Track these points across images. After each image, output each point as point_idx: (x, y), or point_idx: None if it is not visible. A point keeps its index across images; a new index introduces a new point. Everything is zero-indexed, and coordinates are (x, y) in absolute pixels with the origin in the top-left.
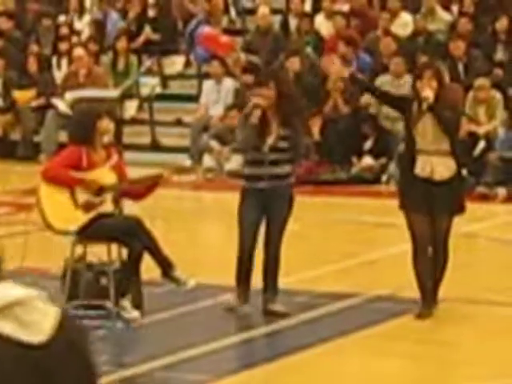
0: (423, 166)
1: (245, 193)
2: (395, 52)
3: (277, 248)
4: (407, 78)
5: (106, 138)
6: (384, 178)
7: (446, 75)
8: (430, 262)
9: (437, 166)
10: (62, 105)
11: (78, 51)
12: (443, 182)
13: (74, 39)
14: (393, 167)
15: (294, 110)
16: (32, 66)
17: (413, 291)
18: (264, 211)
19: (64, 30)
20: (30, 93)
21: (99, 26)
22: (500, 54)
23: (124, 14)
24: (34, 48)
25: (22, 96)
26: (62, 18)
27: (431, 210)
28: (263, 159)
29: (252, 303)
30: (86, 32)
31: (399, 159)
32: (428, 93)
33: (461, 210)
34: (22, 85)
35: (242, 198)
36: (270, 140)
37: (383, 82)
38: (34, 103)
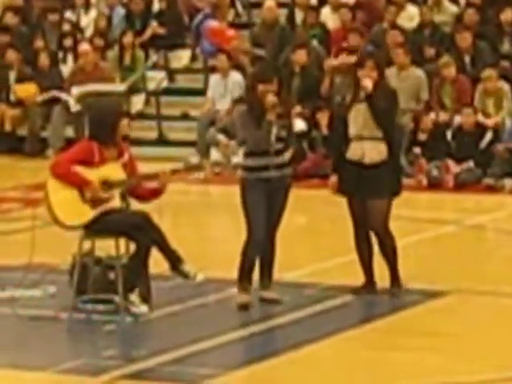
0: (354, 151)
1: (250, 184)
2: (401, 44)
3: (276, 236)
4: (412, 71)
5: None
6: None
7: (453, 67)
8: (371, 246)
9: (367, 150)
10: (73, 103)
11: (84, 46)
12: (373, 165)
13: (79, 34)
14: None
15: (288, 100)
16: (44, 60)
17: (420, 283)
18: (267, 201)
19: (69, 26)
20: (32, 87)
21: (105, 20)
22: (506, 46)
23: (130, 8)
24: (41, 43)
25: (22, 90)
26: (68, 13)
27: (364, 194)
28: (269, 149)
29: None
30: (92, 27)
31: (328, 145)
32: (367, 82)
33: (396, 193)
34: (28, 79)
35: (247, 190)
36: (275, 130)
37: (389, 75)
38: (40, 98)
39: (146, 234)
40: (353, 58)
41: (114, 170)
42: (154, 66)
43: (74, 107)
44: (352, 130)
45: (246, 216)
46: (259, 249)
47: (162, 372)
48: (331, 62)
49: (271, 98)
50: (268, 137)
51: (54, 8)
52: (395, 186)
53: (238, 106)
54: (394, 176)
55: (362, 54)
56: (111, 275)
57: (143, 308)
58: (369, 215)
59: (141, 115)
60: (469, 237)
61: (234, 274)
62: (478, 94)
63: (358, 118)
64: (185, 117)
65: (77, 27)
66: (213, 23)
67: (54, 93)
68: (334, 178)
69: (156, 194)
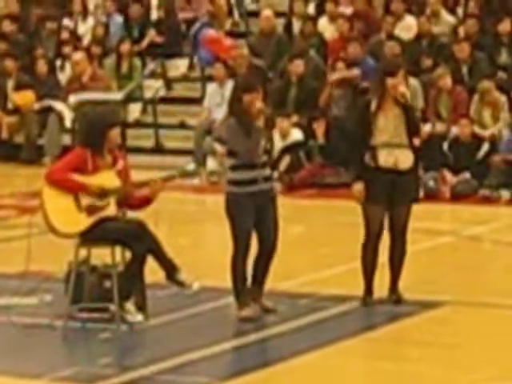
0: (386, 158)
1: (238, 198)
2: (398, 55)
3: (276, 249)
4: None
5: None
6: None
7: (449, 78)
8: (377, 256)
9: (399, 157)
10: (68, 117)
11: (77, 56)
12: (406, 171)
13: (76, 42)
14: None
15: (271, 111)
16: (42, 68)
17: (417, 294)
18: (256, 215)
19: (67, 33)
20: (30, 95)
21: (103, 28)
22: (504, 57)
23: (128, 16)
24: (39, 51)
25: (19, 97)
26: (66, 21)
27: (390, 201)
28: (256, 162)
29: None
30: (90, 35)
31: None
32: (405, 90)
33: (416, 200)
34: (25, 87)
35: (234, 204)
36: (263, 142)
37: None
38: (37, 105)
39: (141, 242)
40: (354, 72)
41: (108, 178)
42: (152, 75)
43: (68, 121)
44: (380, 138)
45: (233, 229)
46: (244, 264)
47: (158, 380)
48: (334, 77)
49: (258, 105)
50: (257, 146)
51: (52, 16)
52: (417, 193)
53: (228, 119)
54: (417, 183)
55: (393, 62)
56: (107, 283)
57: (139, 316)
58: (394, 221)
59: (138, 124)
60: (465, 248)
61: (229, 283)
62: (475, 105)
63: (388, 126)
64: (182, 125)
65: (74, 35)
66: (210, 32)
67: (51, 103)
68: (359, 186)
69: (146, 202)
